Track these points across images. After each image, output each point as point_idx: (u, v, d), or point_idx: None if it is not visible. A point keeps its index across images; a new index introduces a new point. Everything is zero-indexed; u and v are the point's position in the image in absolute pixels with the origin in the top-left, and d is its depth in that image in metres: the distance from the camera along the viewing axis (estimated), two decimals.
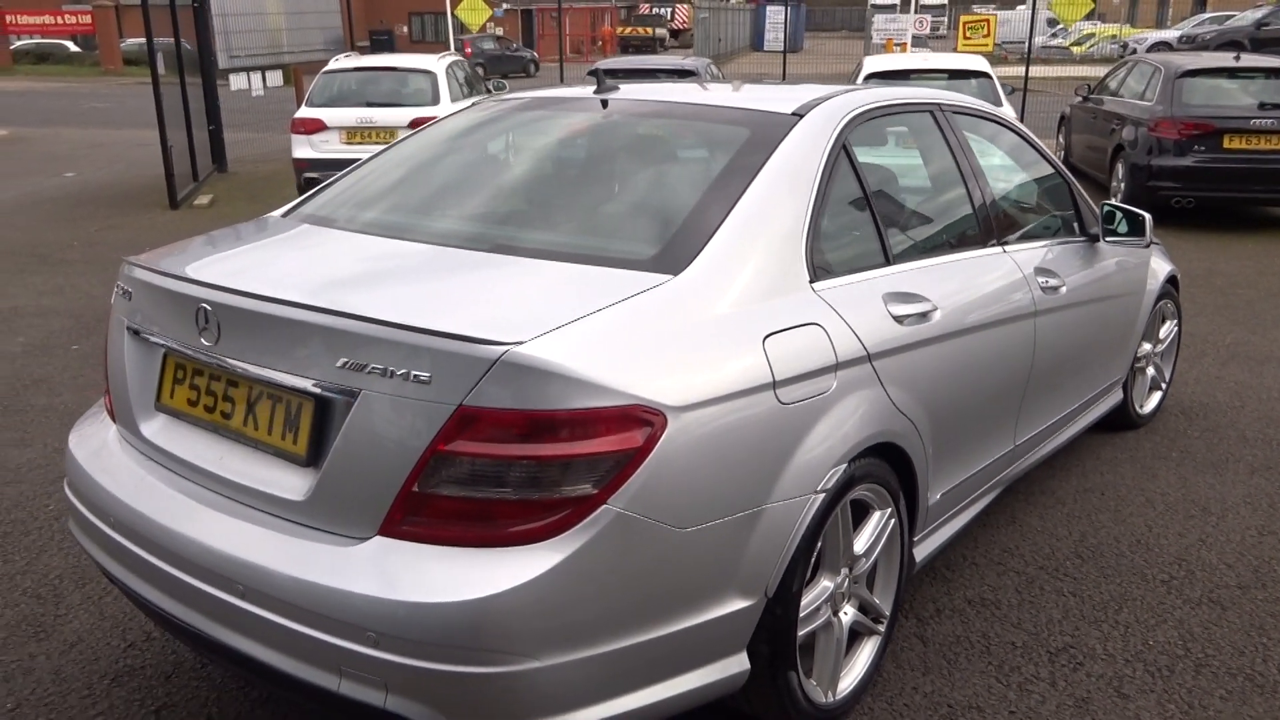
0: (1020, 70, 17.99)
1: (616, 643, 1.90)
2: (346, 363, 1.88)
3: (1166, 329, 4.74)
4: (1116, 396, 4.32)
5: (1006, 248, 3.19)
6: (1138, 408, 4.60)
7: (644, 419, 1.87)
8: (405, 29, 38.15)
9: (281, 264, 2.38)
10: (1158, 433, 4.58)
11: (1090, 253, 3.74)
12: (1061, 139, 12.41)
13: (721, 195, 2.32)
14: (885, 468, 2.51)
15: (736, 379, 2.04)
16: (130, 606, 3.03)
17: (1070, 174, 3.85)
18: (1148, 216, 3.70)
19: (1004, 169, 3.53)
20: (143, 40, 11.00)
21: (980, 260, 3.01)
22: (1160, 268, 4.48)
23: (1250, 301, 6.94)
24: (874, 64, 10.07)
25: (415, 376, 1.82)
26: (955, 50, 18.53)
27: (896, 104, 2.93)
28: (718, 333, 2.06)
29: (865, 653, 2.60)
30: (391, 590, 1.80)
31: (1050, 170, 3.75)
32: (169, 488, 2.18)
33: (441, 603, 1.77)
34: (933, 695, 2.64)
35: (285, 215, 2.81)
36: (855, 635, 2.61)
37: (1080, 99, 11.40)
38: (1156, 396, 4.76)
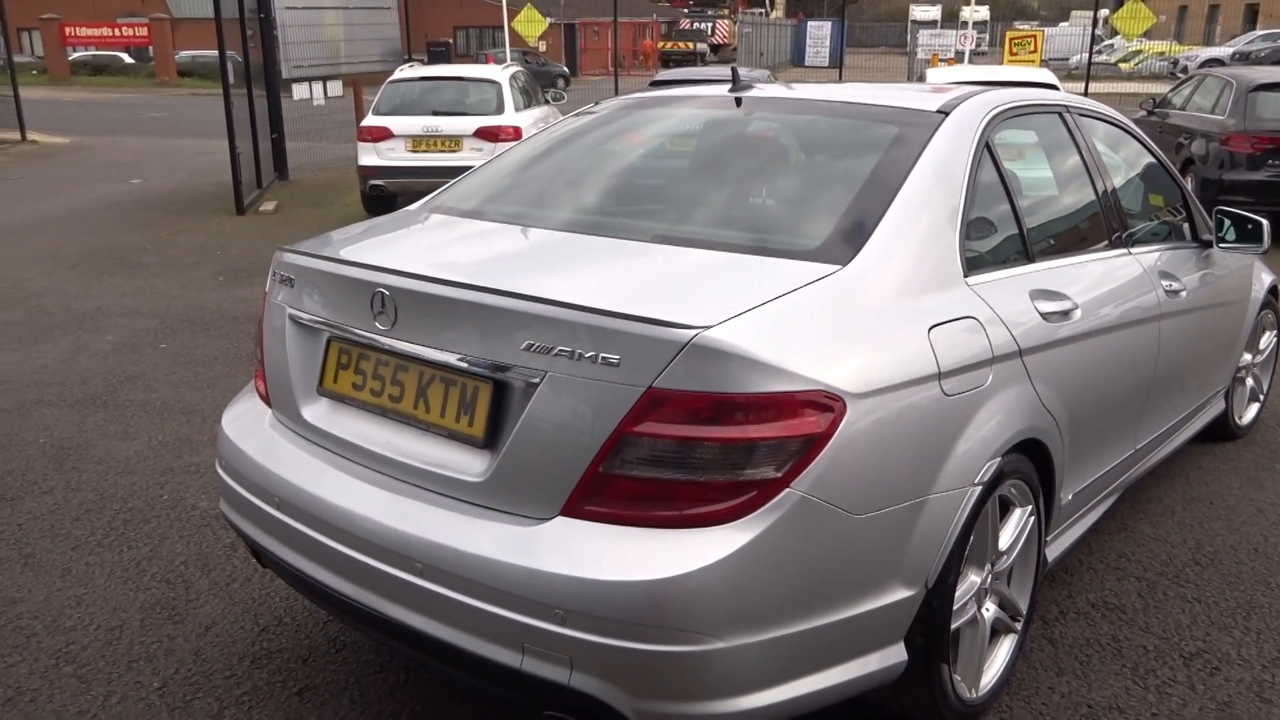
0: (1072, 87, 17.87)
1: (794, 626, 1.91)
2: (532, 345, 1.91)
3: (1267, 339, 4.68)
4: (1219, 405, 4.27)
5: (1132, 250, 3.18)
6: (1237, 418, 4.54)
7: (825, 404, 1.88)
8: (450, 42, 38.61)
9: (452, 251, 2.42)
10: (1257, 444, 4.52)
11: (1202, 258, 3.71)
12: None
13: (879, 189, 2.33)
14: (1028, 464, 2.50)
15: (907, 368, 2.05)
16: (260, 591, 3.09)
17: (1182, 179, 3.82)
18: (1265, 223, 3.67)
19: (1126, 172, 3.51)
20: (196, 52, 11.40)
21: (1111, 261, 3.00)
22: (1265, 277, 4.44)
23: None
24: (938, 76, 10.04)
25: (604, 359, 1.85)
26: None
27: (1032, 104, 2.94)
28: (888, 322, 2.07)
29: (1003, 651, 2.59)
30: (580, 568, 1.82)
31: (1166, 175, 3.73)
32: (337, 470, 2.22)
33: (632, 581, 1.78)
34: (1071, 696, 2.62)
35: (422, 208, 2.86)
36: (993, 633, 2.60)
37: (1145, 113, 11.30)
38: (1254, 408, 4.69)
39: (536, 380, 1.92)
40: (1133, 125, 3.60)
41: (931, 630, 2.21)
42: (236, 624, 2.93)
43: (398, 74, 10.91)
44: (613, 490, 1.87)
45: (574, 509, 1.89)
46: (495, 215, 2.63)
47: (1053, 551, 2.82)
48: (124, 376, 5.35)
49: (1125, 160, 3.57)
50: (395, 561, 2.01)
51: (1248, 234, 3.70)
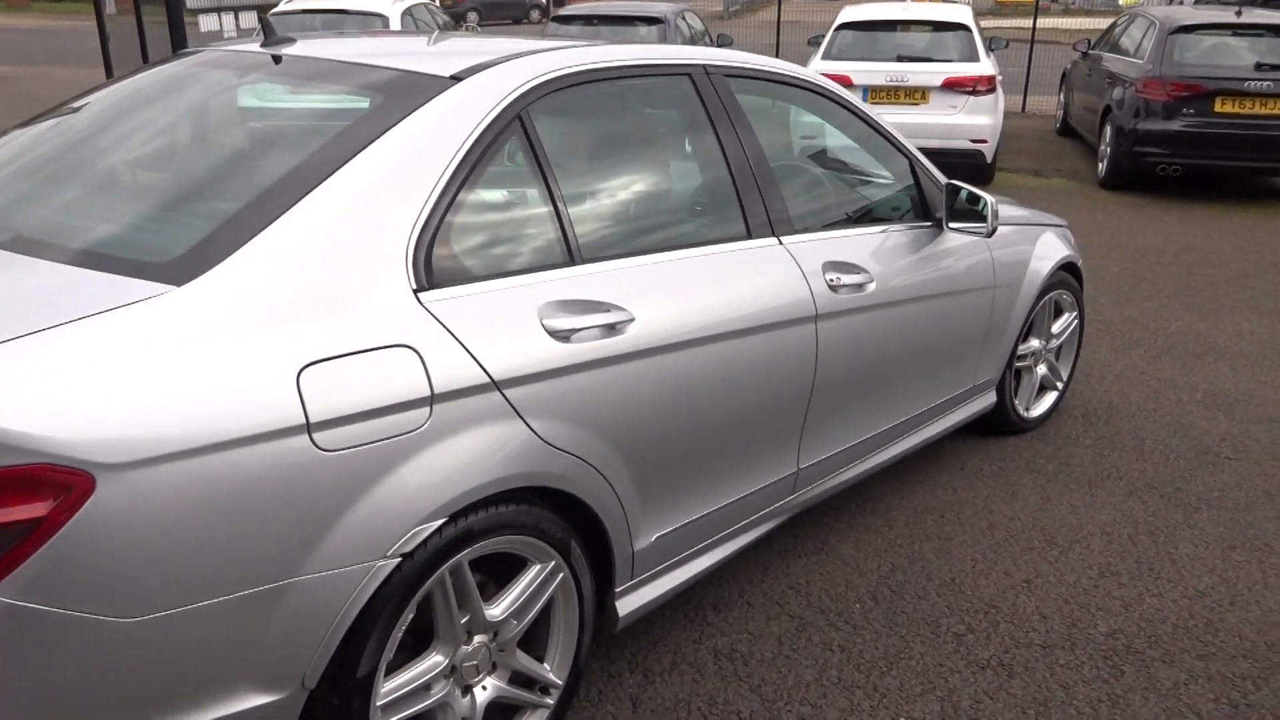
0: (1061, 23, 17.00)
1: None
2: None
3: (1063, 322, 4.19)
4: (987, 400, 3.82)
5: (785, 239, 2.69)
6: (1022, 411, 4.09)
7: (54, 481, 1.44)
8: None
9: None
10: (1045, 439, 4.07)
11: (930, 241, 3.22)
12: (1062, 98, 11.63)
13: (293, 183, 1.86)
14: (544, 514, 2.07)
15: (237, 423, 1.60)
16: None
17: (914, 149, 3.31)
18: (988, 200, 3.16)
19: (810, 144, 3.01)
20: None
21: (727, 256, 2.51)
22: (1050, 253, 3.93)
23: (1214, 283, 6.32)
24: (850, 14, 9.38)
25: None
26: (996, 4, 17.59)
27: (620, 67, 2.42)
28: (219, 363, 1.61)
29: None
30: None
31: (884, 145, 3.22)
32: None
33: None
34: None
35: None
36: (514, 709, 2.19)
37: (1080, 55, 10.61)
38: (1050, 398, 4.23)
39: None
40: (835, 88, 3.06)
41: None
42: None
43: (282, 6, 10.29)
44: None
45: None
46: None
47: (634, 602, 2.39)
48: None
49: (819, 131, 3.07)
50: None
51: (973, 213, 3.20)
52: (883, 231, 3.07)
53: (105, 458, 1.47)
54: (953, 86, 8.37)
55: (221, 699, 1.65)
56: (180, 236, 1.79)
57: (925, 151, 8.25)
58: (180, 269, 1.69)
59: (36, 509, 1.43)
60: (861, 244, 2.95)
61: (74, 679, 1.50)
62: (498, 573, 2.11)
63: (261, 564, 1.64)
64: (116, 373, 1.53)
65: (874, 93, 8.51)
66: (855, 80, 8.51)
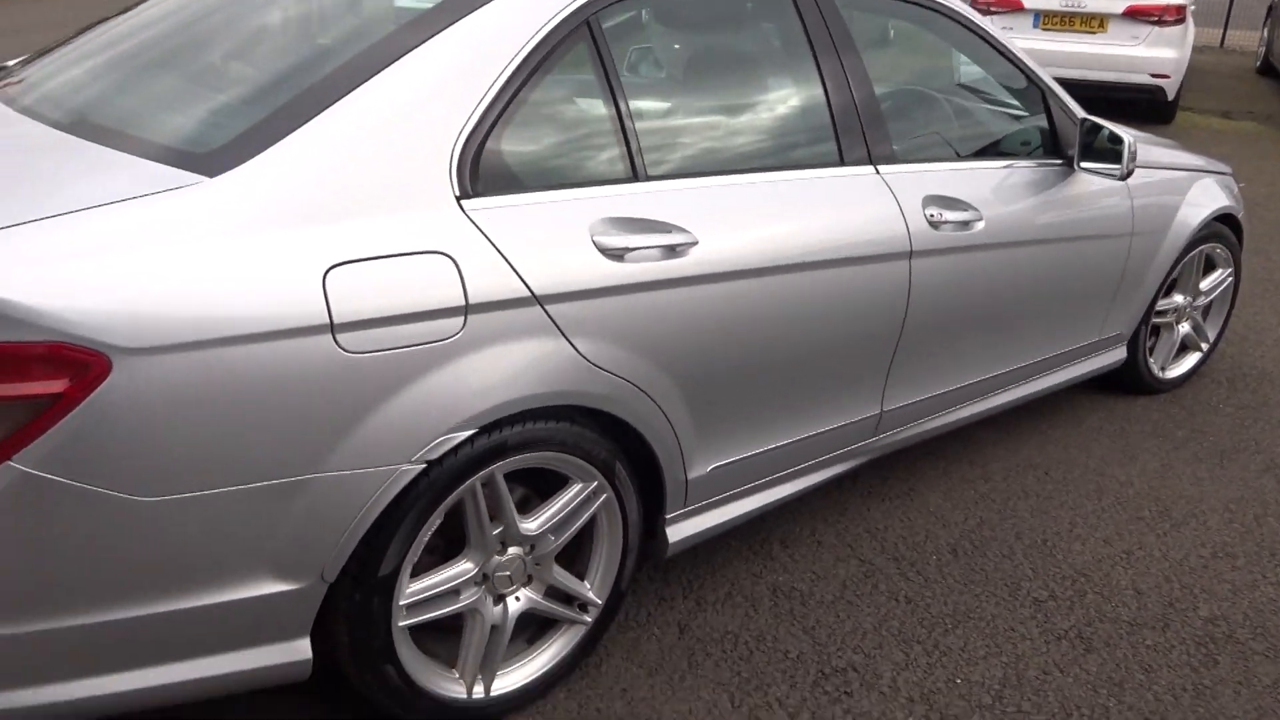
0: None
1: (53, 621, 1.57)
2: None
3: (1214, 279, 3.82)
4: (1115, 355, 3.54)
5: (883, 168, 2.51)
6: (1157, 370, 3.77)
7: (73, 359, 1.48)
8: None
9: None
10: (1180, 402, 3.75)
11: (1057, 180, 2.95)
12: (1265, 33, 10.52)
13: (344, 77, 1.83)
14: (585, 434, 2.02)
15: (259, 317, 1.59)
16: None
17: (1050, 80, 3.02)
18: (1127, 140, 2.85)
19: (927, 70, 2.78)
20: None
21: (811, 183, 2.35)
22: (1205, 202, 3.56)
23: None
24: None
25: None
26: None
27: None
28: (242, 257, 1.60)
29: (557, 645, 2.18)
30: None
31: (1015, 74, 2.95)
32: None
33: None
34: (635, 702, 2.19)
35: None
36: (551, 623, 2.19)
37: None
38: (1191, 359, 3.89)
39: None
40: (957, 6, 2.79)
41: (360, 627, 1.84)
42: None
43: None
44: None
45: None
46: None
47: (681, 531, 2.33)
48: None
49: (938, 55, 2.83)
50: None
51: (1111, 153, 2.90)
52: (1005, 167, 2.83)
53: (120, 341, 1.50)
54: (1136, 15, 7.68)
55: (238, 582, 1.69)
56: (227, 128, 1.79)
57: (1100, 85, 7.69)
58: (217, 160, 1.69)
59: (54, 385, 1.47)
60: (975, 179, 2.73)
61: (91, 551, 1.55)
62: (542, 487, 2.09)
63: (279, 457, 1.65)
64: (136, 259, 1.54)
65: (1046, 18, 7.90)
66: (1026, 4, 7.91)
